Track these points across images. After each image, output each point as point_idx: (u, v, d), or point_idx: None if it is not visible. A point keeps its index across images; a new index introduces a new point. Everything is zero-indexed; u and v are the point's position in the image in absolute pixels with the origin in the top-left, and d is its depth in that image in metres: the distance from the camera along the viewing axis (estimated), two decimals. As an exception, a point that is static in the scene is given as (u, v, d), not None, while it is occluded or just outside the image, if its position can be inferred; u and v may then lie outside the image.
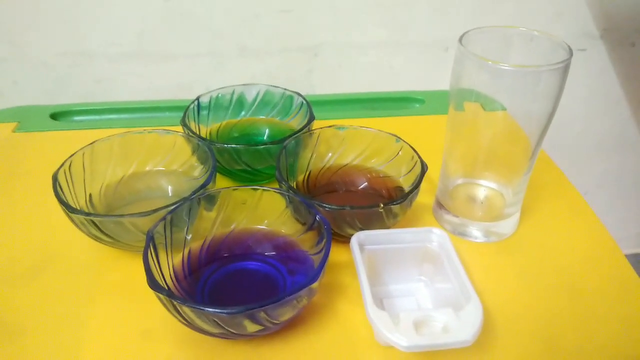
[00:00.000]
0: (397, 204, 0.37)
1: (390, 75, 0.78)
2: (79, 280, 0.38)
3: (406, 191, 0.42)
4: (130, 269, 0.38)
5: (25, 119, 0.57)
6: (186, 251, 0.37)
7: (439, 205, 0.44)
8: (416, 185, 0.39)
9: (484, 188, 0.43)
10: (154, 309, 0.34)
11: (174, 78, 0.73)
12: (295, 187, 0.44)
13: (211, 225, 0.38)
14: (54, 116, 0.58)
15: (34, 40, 0.67)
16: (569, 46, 0.36)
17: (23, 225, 0.43)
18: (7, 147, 0.52)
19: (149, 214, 0.34)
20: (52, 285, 0.37)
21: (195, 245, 0.37)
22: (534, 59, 0.38)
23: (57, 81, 0.71)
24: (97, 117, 0.60)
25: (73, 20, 0.66)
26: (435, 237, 0.36)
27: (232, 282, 0.36)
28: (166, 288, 0.31)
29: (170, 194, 0.44)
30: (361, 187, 0.46)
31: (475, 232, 0.42)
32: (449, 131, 0.42)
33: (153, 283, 0.29)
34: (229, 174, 0.46)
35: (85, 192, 0.40)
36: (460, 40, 0.37)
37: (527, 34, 0.39)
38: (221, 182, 0.46)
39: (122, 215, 0.34)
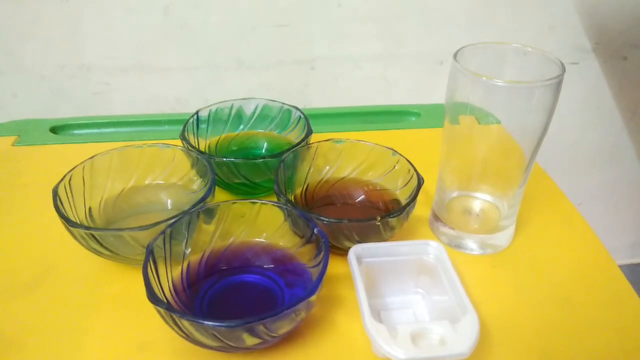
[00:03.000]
0: (394, 217, 0.37)
1: (386, 88, 0.79)
2: (78, 293, 0.38)
3: (403, 204, 0.43)
4: (128, 282, 0.39)
5: (25, 132, 0.57)
6: (185, 264, 0.37)
7: (435, 217, 0.45)
8: (413, 199, 0.39)
9: (480, 201, 0.44)
10: (152, 322, 0.34)
11: (171, 91, 0.74)
12: (293, 200, 0.44)
13: (210, 238, 0.38)
14: (54, 130, 0.58)
15: (32, 53, 0.68)
16: (561, 62, 0.37)
17: (22, 238, 0.43)
18: (8, 160, 0.53)
19: (149, 228, 0.35)
20: (50, 298, 0.37)
21: (194, 259, 0.38)
22: (528, 75, 0.38)
23: (56, 93, 0.71)
24: (96, 130, 0.60)
25: (71, 33, 0.66)
26: (432, 249, 0.37)
27: (230, 295, 0.36)
28: (165, 301, 0.32)
29: (169, 207, 0.44)
30: (358, 199, 0.46)
31: (471, 244, 0.43)
32: (444, 144, 0.42)
33: (152, 296, 0.30)
34: (227, 187, 0.46)
35: (85, 205, 0.41)
36: (454, 56, 0.38)
37: (520, 50, 0.40)
38: (220, 195, 0.47)
39: (121, 229, 0.35)
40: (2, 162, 0.52)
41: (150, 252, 0.33)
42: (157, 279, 0.33)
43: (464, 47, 0.39)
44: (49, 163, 0.52)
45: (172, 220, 0.35)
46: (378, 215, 0.37)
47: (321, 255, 0.34)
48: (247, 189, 0.46)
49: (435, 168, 0.44)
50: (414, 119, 0.65)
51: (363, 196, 0.46)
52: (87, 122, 0.60)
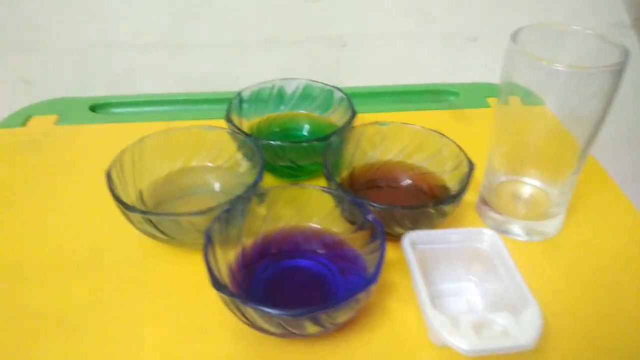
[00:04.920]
0: (447, 204, 0.37)
1: (418, 65, 0.77)
2: (132, 275, 0.39)
3: (450, 188, 0.43)
4: (182, 264, 0.39)
5: (64, 111, 0.57)
6: (239, 248, 0.37)
7: (483, 201, 0.44)
8: (465, 185, 0.39)
9: (529, 186, 0.43)
10: (209, 306, 0.35)
11: (199, 68, 0.73)
12: (339, 183, 0.44)
13: (262, 222, 0.39)
14: (93, 108, 0.59)
15: (62, 30, 0.67)
16: (625, 47, 0.36)
17: (72, 220, 0.43)
18: (51, 140, 0.53)
19: (206, 213, 0.35)
20: (105, 280, 0.38)
21: (248, 242, 0.38)
22: (587, 59, 0.37)
23: (86, 70, 0.71)
24: (135, 109, 0.60)
25: (99, 9, 0.66)
26: (487, 237, 0.36)
27: (285, 280, 0.36)
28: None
29: (217, 190, 0.44)
30: (403, 183, 0.46)
31: (518, 230, 0.42)
32: (496, 126, 0.41)
33: (216, 283, 0.30)
34: (271, 169, 0.46)
35: (135, 188, 0.41)
36: (512, 37, 0.37)
37: (580, 33, 0.39)
38: (264, 179, 0.46)
39: (179, 214, 0.35)
40: (47, 142, 0.52)
41: (209, 238, 0.33)
42: (216, 265, 0.33)
43: (521, 28, 0.38)
44: (92, 143, 0.52)
45: (228, 206, 0.35)
46: (427, 200, 0.37)
47: (376, 243, 0.34)
48: (291, 172, 0.46)
49: (478, 150, 0.43)
50: (452, 98, 0.63)
51: (408, 180, 0.46)
52: (125, 100, 0.60)
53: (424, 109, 0.60)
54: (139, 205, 0.40)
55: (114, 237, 0.41)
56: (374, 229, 0.35)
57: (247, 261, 0.37)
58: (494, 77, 0.75)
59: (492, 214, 0.43)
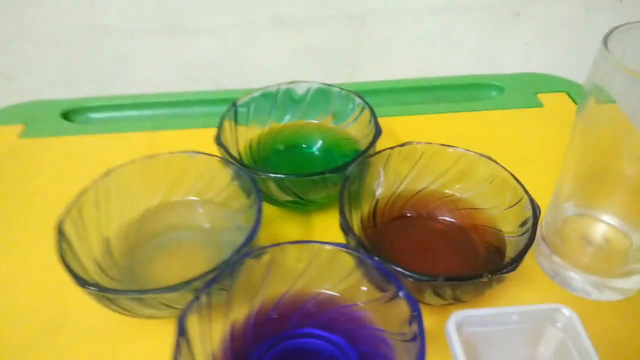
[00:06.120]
0: (507, 271, 0.27)
1: (450, 47, 0.66)
2: (97, 350, 0.30)
3: (503, 232, 0.33)
4: (155, 335, 0.30)
5: (33, 119, 0.48)
6: (227, 326, 0.28)
7: (542, 238, 0.35)
8: (530, 240, 0.29)
9: (606, 226, 0.33)
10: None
11: (201, 56, 0.63)
12: (359, 220, 0.35)
13: (258, 290, 0.29)
14: (66, 115, 0.49)
15: (43, 16, 0.58)
16: None
17: (28, 280, 0.34)
18: (14, 158, 0.44)
19: (178, 289, 0.26)
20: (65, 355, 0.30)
21: (239, 318, 0.29)
22: None
23: (71, 61, 0.62)
24: (116, 113, 0.51)
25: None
26: (562, 317, 0.27)
27: (288, 371, 0.28)
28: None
29: (206, 226, 0.35)
30: (440, 218, 0.36)
31: (585, 285, 0.33)
32: (573, 143, 0.31)
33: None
34: (275, 202, 0.37)
35: (100, 236, 0.32)
36: (604, 41, 0.26)
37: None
38: (266, 210, 0.37)
39: (143, 291, 0.26)
40: (8, 162, 0.43)
41: (182, 332, 0.24)
42: (192, 367, 0.24)
43: (616, 28, 0.27)
44: (63, 161, 0.43)
45: (209, 279, 0.26)
46: (480, 259, 0.28)
47: (411, 330, 0.25)
48: (299, 206, 0.37)
49: (532, 167, 0.34)
50: (494, 93, 0.53)
51: (447, 215, 0.36)
52: (104, 104, 0.51)
53: (460, 110, 0.49)
54: (105, 259, 0.32)
55: (76, 299, 0.32)
56: (407, 307, 0.26)
57: (237, 344, 0.28)
58: (541, 62, 0.64)
59: (553, 258, 0.34)
